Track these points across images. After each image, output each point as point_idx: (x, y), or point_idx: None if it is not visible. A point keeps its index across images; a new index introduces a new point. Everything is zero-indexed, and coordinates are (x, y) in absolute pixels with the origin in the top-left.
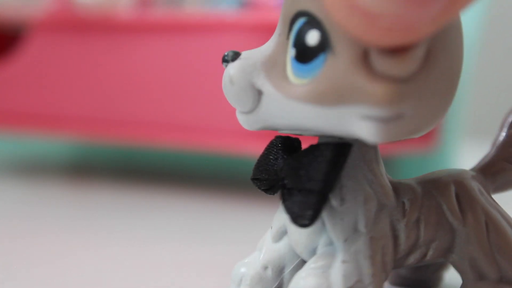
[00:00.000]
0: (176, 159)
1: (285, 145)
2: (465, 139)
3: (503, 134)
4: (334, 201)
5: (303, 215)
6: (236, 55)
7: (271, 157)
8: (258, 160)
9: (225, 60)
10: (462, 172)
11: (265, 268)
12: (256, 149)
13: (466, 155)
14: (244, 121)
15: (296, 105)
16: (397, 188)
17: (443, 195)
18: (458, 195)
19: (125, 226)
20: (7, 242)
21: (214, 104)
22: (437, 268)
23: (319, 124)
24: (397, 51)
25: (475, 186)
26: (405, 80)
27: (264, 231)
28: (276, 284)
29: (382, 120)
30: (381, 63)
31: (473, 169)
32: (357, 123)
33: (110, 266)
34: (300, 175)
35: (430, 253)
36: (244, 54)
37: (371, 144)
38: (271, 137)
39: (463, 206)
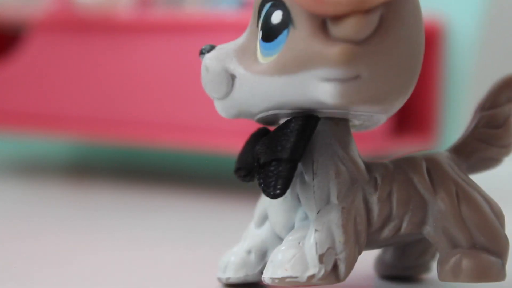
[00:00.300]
0: (176, 159)
1: (263, 133)
2: None
3: (475, 116)
4: (306, 177)
5: (275, 185)
6: (212, 48)
7: (249, 146)
8: (239, 153)
9: (202, 53)
10: (435, 152)
11: (249, 252)
12: None
13: None
14: (221, 107)
15: (264, 80)
16: (370, 165)
17: (414, 170)
18: (429, 170)
19: (125, 226)
20: (7, 242)
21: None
22: (420, 254)
23: (285, 95)
24: (350, 17)
25: (446, 162)
26: (359, 42)
27: None
28: (260, 267)
29: (340, 80)
30: (337, 29)
31: (447, 150)
32: (318, 86)
33: (110, 266)
34: (274, 147)
35: (404, 225)
36: (218, 46)
37: (343, 123)
38: None
39: (434, 179)
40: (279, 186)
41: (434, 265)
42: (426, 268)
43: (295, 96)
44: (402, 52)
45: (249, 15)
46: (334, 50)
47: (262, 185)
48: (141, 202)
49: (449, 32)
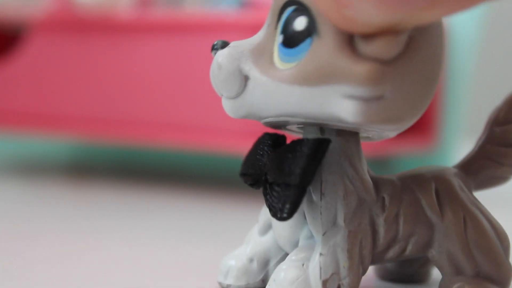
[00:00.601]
0: (176, 159)
1: (272, 142)
2: (465, 139)
3: (485, 132)
4: (314, 196)
5: (282, 209)
6: (225, 44)
7: (258, 152)
8: (246, 156)
9: (215, 49)
10: (444, 169)
11: (251, 260)
12: None
13: None
14: (230, 107)
15: (281, 87)
16: (378, 183)
17: (422, 190)
18: (437, 191)
19: (125, 226)
20: (7, 242)
21: (214, 104)
22: (423, 263)
23: (302, 106)
24: (381, 35)
25: (456, 182)
26: (387, 62)
27: None
28: (262, 276)
29: (364, 99)
30: (365, 46)
31: (455, 166)
32: (339, 103)
33: (110, 265)
34: (281, 170)
35: (410, 247)
36: (233, 43)
37: (353, 139)
38: None
39: (442, 202)
40: (286, 211)
41: (434, 271)
42: (427, 276)
43: (312, 108)
44: (427, 73)
45: (249, 15)
46: (362, 68)
47: (269, 206)
48: (141, 202)
49: (450, 32)
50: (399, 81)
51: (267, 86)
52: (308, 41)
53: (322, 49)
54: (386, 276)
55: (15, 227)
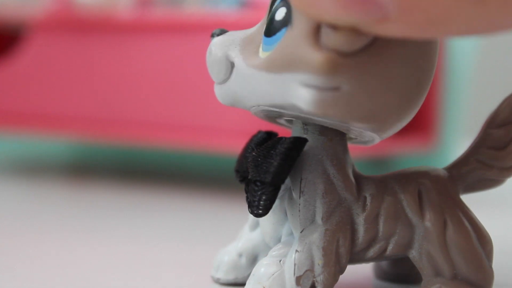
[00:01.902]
0: (176, 159)
1: (262, 140)
2: (465, 139)
3: (479, 134)
4: (294, 194)
5: (257, 205)
6: (222, 32)
7: (247, 150)
8: (240, 153)
9: (212, 36)
10: (431, 170)
11: (240, 255)
12: None
13: None
14: (219, 93)
15: (254, 74)
16: (362, 182)
17: (405, 191)
18: (420, 192)
19: (125, 226)
20: (7, 242)
21: (214, 104)
22: (414, 265)
23: (268, 93)
24: (344, 28)
25: (441, 183)
26: (346, 55)
27: None
28: (250, 271)
29: (318, 88)
30: (327, 36)
31: (445, 168)
32: (296, 90)
33: (110, 265)
34: (259, 167)
35: (390, 247)
36: (229, 32)
37: (337, 139)
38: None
39: (424, 203)
40: (261, 207)
41: None
42: (419, 277)
43: (276, 95)
44: (397, 74)
45: (249, 15)
46: (318, 57)
47: (248, 202)
48: (141, 202)
49: None
50: (359, 75)
51: (244, 73)
52: (283, 30)
53: (290, 38)
54: (380, 274)
55: (15, 227)
